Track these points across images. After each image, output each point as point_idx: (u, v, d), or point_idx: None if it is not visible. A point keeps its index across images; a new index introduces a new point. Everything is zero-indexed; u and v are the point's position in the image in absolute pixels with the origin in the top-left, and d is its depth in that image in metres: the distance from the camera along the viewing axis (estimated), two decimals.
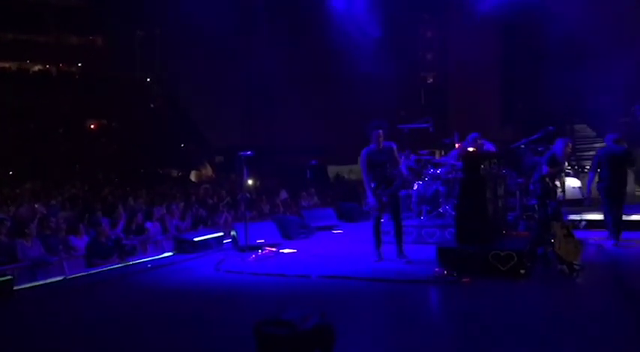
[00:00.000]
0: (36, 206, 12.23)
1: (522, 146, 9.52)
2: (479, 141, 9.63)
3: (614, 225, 8.61)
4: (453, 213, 8.89)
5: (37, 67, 36.96)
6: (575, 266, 6.61)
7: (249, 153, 9.32)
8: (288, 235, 10.95)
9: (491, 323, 5.06)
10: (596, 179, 8.91)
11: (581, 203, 10.59)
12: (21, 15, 33.02)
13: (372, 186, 7.74)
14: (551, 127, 9.40)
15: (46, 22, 35.89)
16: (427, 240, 9.22)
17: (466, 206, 7.12)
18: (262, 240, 9.83)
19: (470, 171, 7.25)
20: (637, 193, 14.59)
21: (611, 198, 8.63)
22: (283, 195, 16.38)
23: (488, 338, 4.63)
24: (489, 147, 9.71)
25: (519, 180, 9.69)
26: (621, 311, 5.15)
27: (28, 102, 29.37)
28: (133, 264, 9.19)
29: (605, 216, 8.89)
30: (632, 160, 8.84)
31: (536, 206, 8.70)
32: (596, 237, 9.03)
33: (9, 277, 7.24)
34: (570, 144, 8.22)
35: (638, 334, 4.50)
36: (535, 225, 8.32)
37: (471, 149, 9.02)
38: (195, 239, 10.18)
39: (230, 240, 10.58)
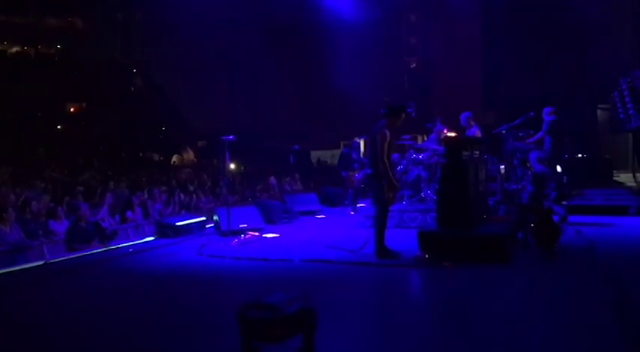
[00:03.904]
0: (15, 190, 12.07)
1: (504, 132, 9.60)
2: (471, 122, 9.78)
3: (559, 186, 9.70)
4: (435, 197, 8.96)
5: (15, 49, 36.24)
6: (554, 250, 6.72)
7: (231, 137, 9.29)
8: (271, 220, 10.96)
9: (471, 306, 5.12)
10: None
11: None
12: None
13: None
14: (532, 113, 9.50)
15: (25, 3, 35.15)
16: (409, 224, 9.29)
17: (447, 191, 7.17)
18: (245, 225, 9.83)
19: (451, 156, 7.29)
20: (615, 179, 14.81)
21: (554, 164, 9.61)
22: (272, 180, 16.36)
23: (468, 321, 4.69)
24: (476, 131, 9.78)
25: (500, 165, 9.78)
26: (599, 294, 5.25)
27: (6, 84, 28.82)
28: (114, 248, 9.14)
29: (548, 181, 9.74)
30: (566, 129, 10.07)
31: (516, 191, 8.89)
32: (575, 221, 9.17)
33: None
34: None
35: (615, 316, 4.60)
36: (515, 209, 8.43)
37: (452, 134, 9.10)
38: (178, 223, 10.15)
39: (212, 225, 10.56)
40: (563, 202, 9.63)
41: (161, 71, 33.70)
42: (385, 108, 7.23)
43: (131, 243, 9.65)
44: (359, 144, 13.19)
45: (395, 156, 9.58)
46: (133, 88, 35.93)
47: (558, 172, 9.93)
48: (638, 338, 4.12)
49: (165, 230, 10.04)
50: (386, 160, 6.95)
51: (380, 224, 7.10)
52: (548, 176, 9.38)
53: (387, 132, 7.00)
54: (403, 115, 7.23)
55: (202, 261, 7.74)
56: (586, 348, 4.00)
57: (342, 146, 26.65)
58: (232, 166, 13.12)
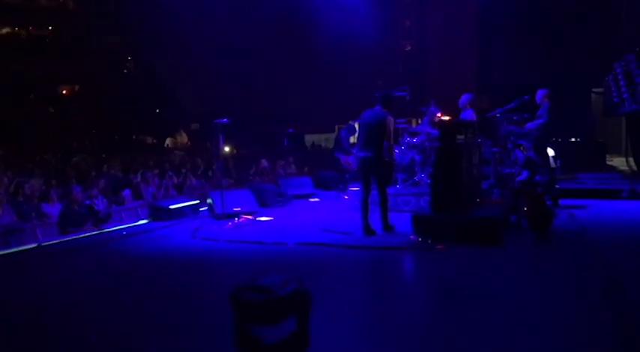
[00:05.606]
0: (6, 173, 12.02)
1: (498, 115, 9.58)
2: (468, 105, 9.74)
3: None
4: (429, 181, 8.96)
5: (5, 30, 35.80)
6: (547, 234, 6.75)
7: (225, 120, 9.23)
8: (264, 203, 10.94)
9: (465, 289, 5.14)
10: None
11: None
12: None
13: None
14: (526, 97, 9.47)
15: None
16: (402, 207, 9.30)
17: (441, 174, 7.18)
18: (239, 208, 9.81)
19: (445, 140, 7.28)
20: (608, 163, 14.85)
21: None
22: (264, 163, 16.33)
23: (462, 304, 4.71)
24: (470, 114, 9.75)
25: (494, 148, 9.78)
26: (592, 277, 5.28)
27: None
28: (107, 231, 9.11)
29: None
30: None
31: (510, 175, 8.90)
32: (568, 204, 9.21)
33: None
34: None
35: (607, 299, 4.63)
36: (509, 193, 8.45)
37: (445, 117, 9.09)
38: (171, 206, 10.10)
39: (206, 208, 10.54)
40: (555, 186, 9.64)
41: (154, 54, 33.42)
42: (381, 95, 7.61)
43: (125, 226, 9.62)
44: (354, 127, 13.07)
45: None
46: (126, 71, 35.66)
47: (551, 156, 9.93)
48: (631, 321, 4.16)
49: (159, 213, 10.00)
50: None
51: (386, 204, 7.61)
52: (537, 161, 9.34)
53: (390, 117, 7.49)
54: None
55: (196, 244, 7.73)
56: (580, 330, 4.03)
57: (336, 129, 26.64)
58: (226, 149, 13.07)
